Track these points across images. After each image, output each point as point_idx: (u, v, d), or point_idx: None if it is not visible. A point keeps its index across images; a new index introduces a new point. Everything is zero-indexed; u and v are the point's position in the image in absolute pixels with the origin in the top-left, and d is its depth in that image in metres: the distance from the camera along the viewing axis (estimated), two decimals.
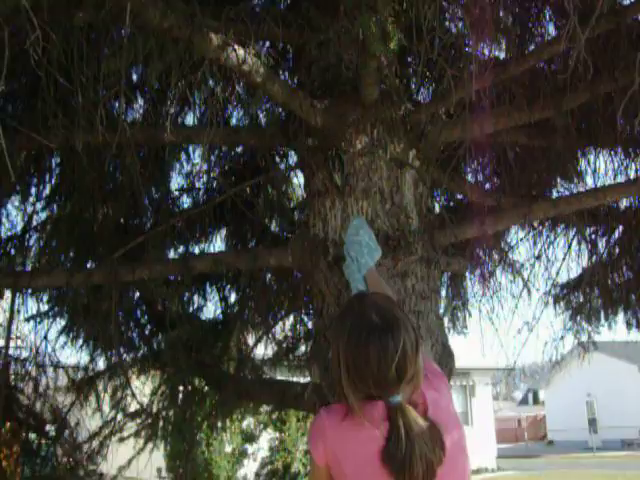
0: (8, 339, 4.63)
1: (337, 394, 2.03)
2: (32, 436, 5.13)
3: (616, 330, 6.41)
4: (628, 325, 6.12)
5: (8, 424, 4.83)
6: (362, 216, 3.32)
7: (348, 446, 1.95)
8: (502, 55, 4.12)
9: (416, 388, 2.01)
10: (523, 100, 3.81)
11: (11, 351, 4.94)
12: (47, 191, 5.09)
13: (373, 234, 2.99)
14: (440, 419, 1.99)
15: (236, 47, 3.10)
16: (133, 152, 3.79)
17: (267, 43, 4.48)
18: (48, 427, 5.21)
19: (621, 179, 5.11)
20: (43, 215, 5.19)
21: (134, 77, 4.52)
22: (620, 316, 6.19)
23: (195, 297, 5.75)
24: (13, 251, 5.14)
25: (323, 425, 2.01)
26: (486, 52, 4.13)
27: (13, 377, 4.98)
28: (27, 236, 5.15)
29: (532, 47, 4.16)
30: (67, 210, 5.03)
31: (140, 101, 4.69)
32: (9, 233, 5.14)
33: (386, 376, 1.92)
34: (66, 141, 3.48)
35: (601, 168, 5.19)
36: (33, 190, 5.04)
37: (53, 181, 5.07)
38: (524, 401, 64.36)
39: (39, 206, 5.12)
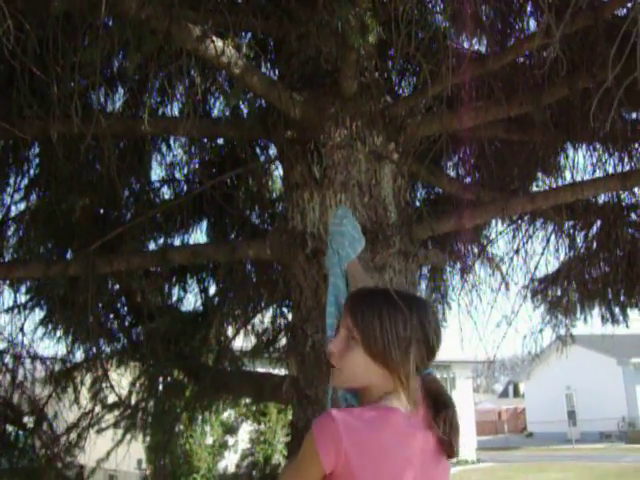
0: None
1: (399, 384, 1.95)
2: (9, 428, 5.09)
3: (592, 324, 6.47)
4: (603, 319, 6.17)
5: None
6: (346, 205, 3.29)
7: (367, 450, 1.85)
8: (483, 49, 4.14)
9: None
10: (502, 95, 3.82)
11: None
12: (25, 182, 5.05)
13: (357, 224, 2.93)
14: None
15: (215, 39, 3.09)
16: (109, 143, 3.76)
17: (248, 35, 4.47)
18: (26, 419, 5.18)
19: (599, 174, 5.14)
20: (21, 206, 5.15)
21: (115, 68, 4.49)
22: (596, 310, 6.25)
23: (175, 289, 5.73)
24: None
25: (339, 434, 1.84)
26: (466, 46, 4.15)
27: None
28: (5, 227, 5.11)
29: (511, 42, 4.17)
30: (46, 201, 5.00)
31: (120, 92, 4.66)
32: None
33: (439, 343, 1.99)
34: (42, 132, 3.45)
35: (579, 163, 5.22)
36: (11, 181, 5.00)
37: (32, 172, 5.03)
38: (504, 394, 64.84)
39: (17, 197, 5.09)
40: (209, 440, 18.15)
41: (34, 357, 5.21)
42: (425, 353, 1.98)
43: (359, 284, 2.42)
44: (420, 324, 1.97)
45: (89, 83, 3.23)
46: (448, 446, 1.93)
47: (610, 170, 5.05)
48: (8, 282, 5.05)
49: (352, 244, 2.71)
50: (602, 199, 5.41)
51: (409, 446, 1.89)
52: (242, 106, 5.00)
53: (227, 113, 5.07)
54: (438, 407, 1.96)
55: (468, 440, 25.92)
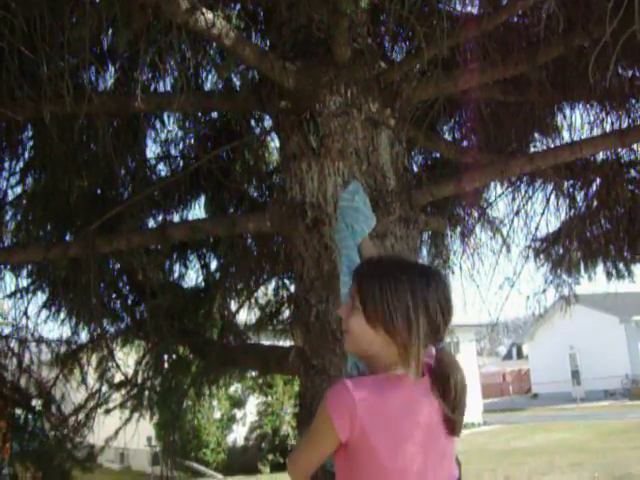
0: None
1: (403, 352, 1.94)
2: (18, 411, 5.12)
3: (596, 281, 6.47)
4: (608, 275, 6.17)
5: None
6: (358, 181, 3.26)
7: (383, 419, 1.88)
8: (475, 11, 4.08)
9: None
10: (497, 55, 3.78)
11: None
12: (21, 165, 5.01)
13: (368, 200, 2.93)
14: None
15: (204, 10, 3.05)
16: (103, 121, 3.72)
17: (237, 5, 4.41)
18: (34, 402, 5.20)
19: (597, 132, 5.11)
20: (18, 189, 5.12)
21: (105, 45, 4.44)
22: (600, 267, 6.25)
23: (176, 265, 5.73)
24: None
25: (352, 398, 1.86)
26: (458, 8, 4.10)
27: None
28: (3, 212, 5.09)
29: (505, 1, 4.12)
30: (42, 183, 4.97)
31: (111, 69, 4.60)
32: None
33: (451, 315, 1.96)
34: (35, 113, 3.42)
35: (577, 122, 5.20)
36: (6, 164, 4.96)
37: (26, 154, 4.99)
38: (508, 356, 65.25)
39: (13, 181, 5.05)
40: (217, 414, 18.30)
41: (39, 340, 5.22)
42: (432, 324, 1.94)
43: None
44: (426, 294, 1.94)
45: (79, 61, 3.18)
46: (450, 424, 1.94)
47: (608, 128, 5.02)
48: (9, 267, 5.04)
49: (366, 220, 2.74)
50: (601, 157, 5.39)
51: (418, 412, 1.91)
52: (235, 78, 4.97)
53: (220, 86, 5.02)
54: (445, 386, 1.94)
55: (474, 403, 26.12)
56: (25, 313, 5.05)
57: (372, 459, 1.87)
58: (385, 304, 1.96)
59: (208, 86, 5.13)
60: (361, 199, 2.85)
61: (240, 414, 18.75)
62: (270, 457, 18.30)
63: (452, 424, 1.94)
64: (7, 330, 5.13)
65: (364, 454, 1.89)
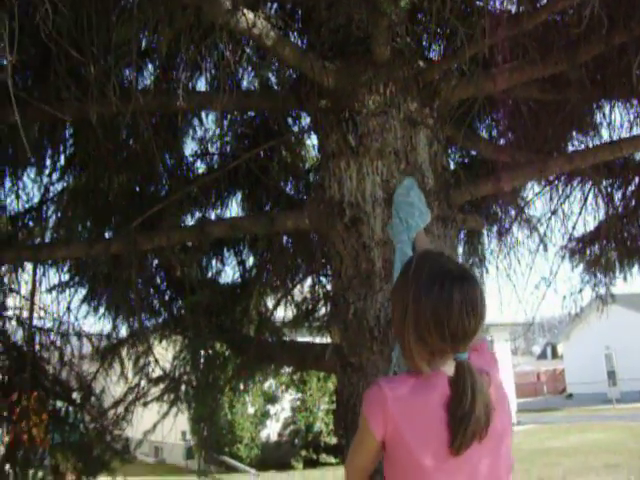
0: (32, 310, 4.70)
1: (404, 352, 1.99)
2: (60, 404, 5.21)
3: (632, 282, 6.40)
4: None
5: (35, 393, 4.90)
6: (413, 178, 3.27)
7: (415, 416, 1.90)
8: (514, 9, 4.07)
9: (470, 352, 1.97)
10: (536, 54, 3.76)
11: (35, 322, 5.00)
12: (62, 162, 5.10)
13: (423, 196, 2.94)
14: (498, 391, 2.00)
15: (245, 11, 3.08)
16: (147, 120, 3.78)
17: (274, 5, 4.44)
18: (74, 395, 5.29)
19: (637, 131, 5.06)
20: (59, 186, 5.21)
21: (143, 44, 4.50)
22: (635, 268, 6.19)
23: (213, 262, 5.78)
24: (31, 223, 5.17)
25: (384, 396, 1.92)
26: (498, 6, 4.09)
27: (38, 347, 5.05)
28: (44, 208, 5.18)
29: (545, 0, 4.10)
30: (83, 180, 5.05)
31: (150, 68, 4.67)
32: (26, 205, 5.17)
33: (464, 327, 1.87)
34: (80, 112, 3.48)
35: (617, 120, 5.14)
36: (48, 162, 5.05)
37: (67, 152, 5.08)
38: (543, 355, 64.63)
39: (55, 177, 5.14)
40: (251, 410, 18.41)
41: (80, 334, 5.31)
42: (445, 332, 1.89)
43: None
44: (447, 300, 1.89)
45: (123, 61, 3.23)
46: (453, 440, 1.87)
47: None
48: (50, 262, 5.13)
49: (421, 215, 2.76)
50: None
51: (444, 410, 1.90)
52: (272, 77, 5.00)
53: (256, 85, 5.06)
54: (454, 402, 1.90)
55: None
56: (68, 307, 5.15)
57: (407, 455, 1.90)
58: (394, 304, 2.05)
59: (244, 84, 5.18)
60: (416, 194, 2.88)
61: (274, 410, 18.85)
62: (303, 453, 18.39)
63: (453, 441, 1.87)
64: (49, 324, 5.22)
65: (399, 450, 1.92)
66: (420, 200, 2.86)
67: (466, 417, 1.85)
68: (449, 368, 1.95)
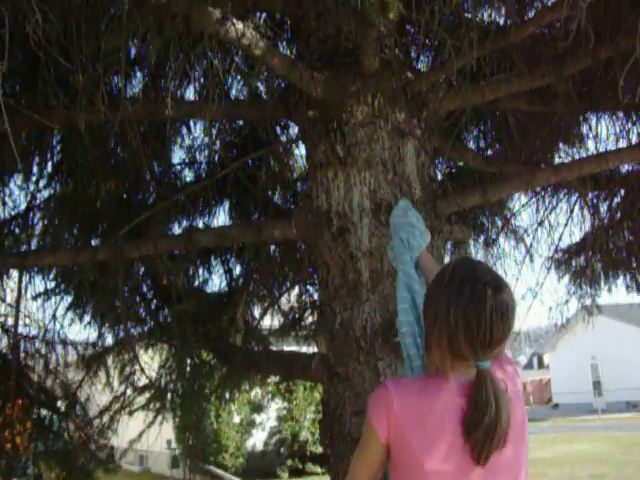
0: (17, 317, 4.67)
1: (429, 354, 1.99)
2: (44, 412, 5.18)
3: (616, 293, 6.45)
4: (628, 288, 6.15)
5: (20, 401, 4.87)
6: (407, 199, 3.26)
7: (420, 419, 1.87)
8: (502, 22, 4.10)
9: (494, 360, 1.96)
10: (524, 67, 3.79)
11: (20, 329, 4.97)
12: (49, 169, 5.08)
13: (421, 216, 2.93)
14: (517, 400, 1.97)
15: (235, 21, 3.09)
16: (135, 128, 3.78)
17: (264, 15, 4.45)
18: (59, 403, 5.26)
19: (623, 143, 5.10)
20: (46, 193, 5.19)
21: (132, 52, 4.50)
22: (621, 279, 6.23)
23: (200, 270, 5.78)
24: (17, 230, 5.15)
25: (389, 397, 1.90)
26: (486, 18, 4.12)
27: (23, 355, 5.02)
28: (31, 215, 5.16)
29: (532, 13, 4.13)
30: (70, 188, 5.04)
31: (139, 76, 4.67)
32: (12, 212, 5.14)
33: (492, 333, 1.86)
34: (68, 120, 3.48)
35: (603, 133, 5.19)
36: (35, 168, 5.03)
37: (55, 159, 5.06)
38: (529, 365, 64.71)
39: (41, 184, 5.13)
40: (237, 419, 18.35)
41: (65, 342, 5.29)
42: (474, 337, 1.86)
43: (434, 271, 2.30)
44: (477, 305, 1.87)
45: (112, 70, 3.23)
46: (474, 451, 1.84)
47: (634, 139, 5.01)
48: (36, 270, 5.10)
49: (422, 235, 2.74)
50: (626, 168, 5.38)
51: (458, 418, 1.88)
52: (261, 87, 5.02)
53: (245, 94, 5.07)
54: (474, 410, 1.86)
55: None
56: (53, 315, 5.13)
57: (410, 459, 1.87)
58: (426, 306, 2.04)
59: (233, 93, 5.18)
60: (414, 215, 2.86)
61: (260, 419, 18.80)
62: (289, 462, 18.33)
63: (474, 453, 1.84)
64: (34, 332, 5.19)
65: (402, 453, 1.90)
66: (419, 220, 2.84)
67: (490, 425, 1.83)
68: (466, 375, 1.92)
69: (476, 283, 1.90)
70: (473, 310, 1.87)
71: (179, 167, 5.61)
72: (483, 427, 1.82)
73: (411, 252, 2.64)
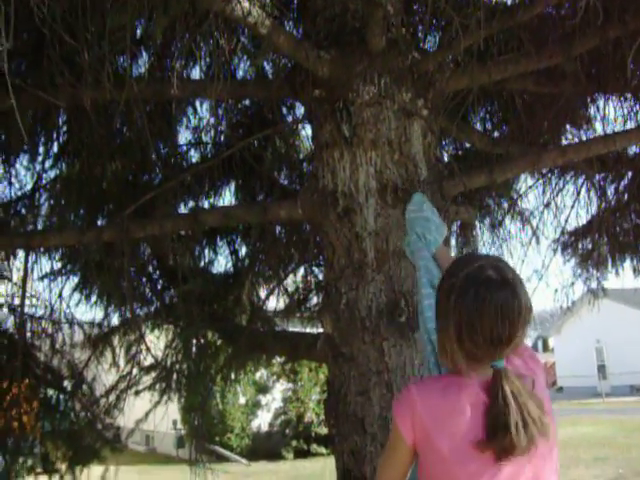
0: (23, 298, 4.67)
1: (441, 351, 1.96)
2: (50, 392, 5.20)
3: (623, 276, 6.43)
4: (635, 271, 6.13)
5: (26, 381, 4.89)
6: (422, 192, 3.18)
7: (445, 419, 1.86)
8: (510, 1, 4.07)
9: (511, 358, 1.94)
10: (531, 47, 3.76)
11: (27, 309, 4.99)
12: (55, 149, 5.08)
13: (436, 210, 2.86)
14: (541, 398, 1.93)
15: None
16: (141, 108, 3.77)
17: None
18: (66, 383, 5.28)
19: (631, 125, 5.07)
20: (52, 174, 5.19)
21: (137, 31, 4.47)
22: (627, 262, 6.21)
23: (206, 251, 5.78)
24: (24, 210, 5.16)
25: (413, 399, 1.89)
26: None
27: (30, 335, 5.04)
28: (37, 195, 5.17)
29: None
30: (76, 168, 5.03)
31: (144, 56, 4.65)
32: (19, 192, 5.15)
33: (500, 334, 1.82)
34: (73, 99, 3.47)
35: (610, 114, 5.16)
36: (41, 149, 5.03)
37: (61, 139, 5.05)
38: (534, 348, 64.75)
39: (48, 165, 5.12)
40: (242, 400, 18.44)
41: (72, 322, 5.30)
42: (478, 337, 1.84)
43: None
44: (480, 306, 1.84)
45: (117, 48, 3.22)
46: (503, 450, 1.81)
47: None
48: (42, 250, 5.11)
49: (438, 229, 2.68)
50: (633, 150, 5.35)
51: (479, 412, 1.86)
52: (267, 66, 4.99)
53: (252, 74, 5.05)
54: (491, 410, 1.84)
55: None
56: (59, 295, 5.14)
57: (438, 460, 1.86)
58: (437, 303, 2.01)
59: (240, 73, 5.16)
60: (429, 208, 2.78)
61: (265, 400, 18.88)
62: (294, 443, 18.42)
63: (490, 448, 1.81)
64: (40, 312, 5.20)
65: (430, 455, 1.89)
66: (434, 213, 2.76)
67: (505, 424, 1.80)
68: (484, 375, 1.90)
69: (480, 285, 1.87)
70: (476, 312, 1.84)
71: (185, 147, 5.59)
72: (497, 425, 1.81)
73: (428, 247, 2.58)
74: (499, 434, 1.80)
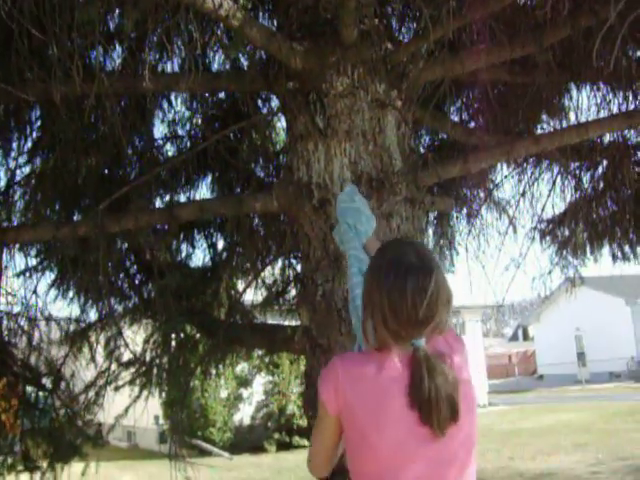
0: None
1: (365, 331, 2.04)
2: (29, 389, 5.17)
3: (602, 263, 6.49)
4: (614, 257, 6.19)
5: (4, 379, 4.86)
6: (353, 184, 3.23)
7: (367, 390, 1.94)
8: None
9: (435, 339, 2.02)
10: (504, 37, 3.78)
11: (2, 307, 4.96)
12: (29, 145, 5.04)
13: (367, 202, 2.94)
14: (460, 375, 2.00)
15: None
16: (112, 102, 3.74)
17: None
18: (44, 380, 5.25)
19: (604, 114, 5.11)
20: (26, 169, 5.15)
21: (110, 26, 4.44)
22: (605, 249, 6.27)
23: (183, 245, 5.76)
24: None
25: (336, 371, 1.98)
26: None
27: (6, 332, 5.00)
28: (11, 191, 5.12)
29: None
30: (50, 163, 4.99)
31: (118, 50, 4.61)
32: None
33: (417, 314, 1.92)
34: (44, 93, 3.44)
35: (584, 103, 5.19)
36: (14, 144, 4.99)
37: (35, 134, 5.01)
38: (514, 337, 65.21)
39: (22, 160, 5.08)
40: (224, 394, 18.41)
41: (49, 319, 5.27)
42: (400, 317, 1.93)
43: None
44: (399, 288, 1.94)
45: (87, 42, 3.19)
46: (424, 422, 1.91)
47: (615, 109, 5.02)
48: (18, 246, 5.07)
49: (369, 221, 2.74)
50: (607, 139, 5.39)
51: (399, 385, 1.94)
52: (242, 59, 4.97)
53: (227, 67, 5.03)
54: (417, 386, 1.92)
55: (479, 384, 26.21)
56: (35, 292, 5.10)
57: (358, 429, 1.94)
58: (364, 287, 2.11)
59: (215, 67, 5.14)
60: (360, 200, 2.85)
61: (247, 393, 18.87)
62: (276, 436, 18.42)
63: (427, 420, 1.91)
64: (17, 309, 5.17)
65: (351, 424, 1.97)
66: (365, 205, 2.84)
67: (420, 398, 1.90)
68: (406, 351, 1.98)
69: (400, 267, 1.98)
70: (397, 294, 1.94)
71: (161, 142, 5.57)
72: (425, 399, 1.90)
73: (359, 237, 2.65)
74: (415, 406, 1.90)
